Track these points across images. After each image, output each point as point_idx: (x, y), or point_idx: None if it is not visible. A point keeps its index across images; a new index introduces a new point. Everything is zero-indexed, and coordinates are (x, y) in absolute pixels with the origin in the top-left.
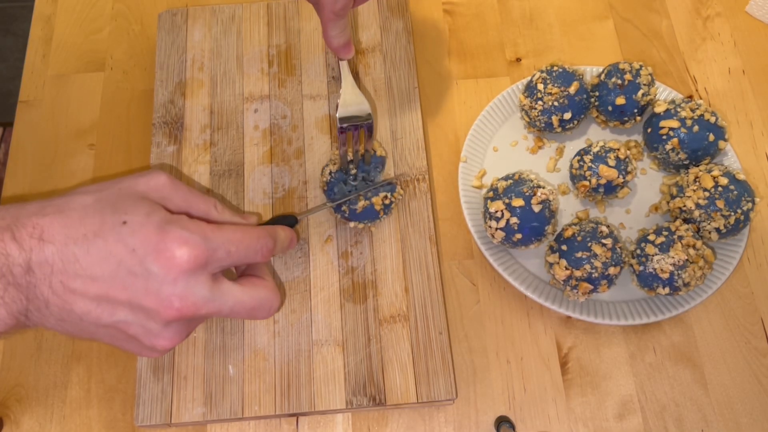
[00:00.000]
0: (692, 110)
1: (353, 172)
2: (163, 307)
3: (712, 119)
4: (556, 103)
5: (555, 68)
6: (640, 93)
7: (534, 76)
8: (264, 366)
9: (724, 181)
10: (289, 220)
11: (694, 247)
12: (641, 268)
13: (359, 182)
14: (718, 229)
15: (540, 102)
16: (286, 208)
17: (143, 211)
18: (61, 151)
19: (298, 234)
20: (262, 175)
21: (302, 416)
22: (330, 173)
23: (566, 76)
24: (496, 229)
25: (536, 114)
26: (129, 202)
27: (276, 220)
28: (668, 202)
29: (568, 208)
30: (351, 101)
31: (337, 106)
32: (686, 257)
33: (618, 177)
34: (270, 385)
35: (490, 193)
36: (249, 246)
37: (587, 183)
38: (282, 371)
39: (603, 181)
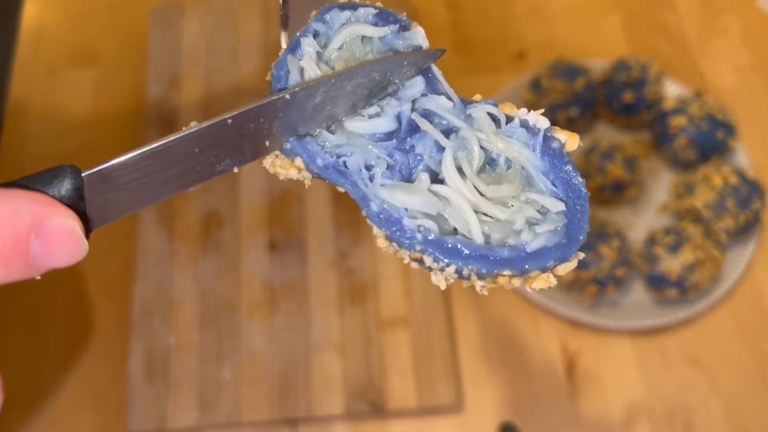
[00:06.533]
0: (701, 107)
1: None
2: None
3: (721, 116)
4: (561, 100)
5: (560, 64)
6: (648, 90)
7: (539, 71)
8: (260, 370)
9: (733, 179)
10: (65, 178)
11: (703, 247)
12: (649, 269)
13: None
14: (727, 230)
15: (545, 98)
16: (284, 208)
17: None
18: (53, 147)
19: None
20: (258, 173)
21: (301, 425)
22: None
23: (572, 72)
24: None
25: (541, 111)
26: None
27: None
28: (677, 202)
29: None
30: None
31: None
32: (695, 258)
33: (625, 176)
34: (267, 390)
35: None
36: None
37: (594, 182)
38: (279, 376)
39: (610, 181)
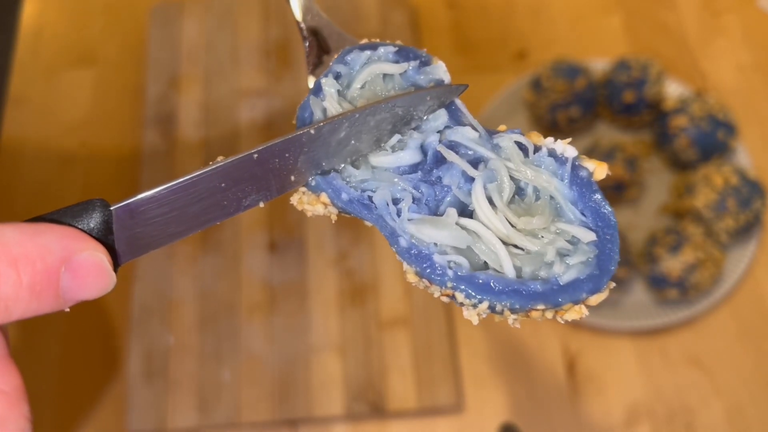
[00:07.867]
0: (701, 107)
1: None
2: None
3: (722, 116)
4: (562, 99)
5: (561, 63)
6: (648, 89)
7: (539, 71)
8: (260, 371)
9: (734, 179)
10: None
11: (703, 248)
12: (650, 269)
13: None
14: (728, 230)
15: (546, 98)
16: (283, 208)
17: None
18: (53, 147)
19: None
20: None
21: (301, 425)
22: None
23: (572, 72)
24: None
25: (542, 110)
26: None
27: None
28: (677, 202)
29: None
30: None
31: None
32: (696, 258)
33: (626, 176)
34: (266, 391)
35: None
36: None
37: None
38: (278, 377)
39: (611, 181)
